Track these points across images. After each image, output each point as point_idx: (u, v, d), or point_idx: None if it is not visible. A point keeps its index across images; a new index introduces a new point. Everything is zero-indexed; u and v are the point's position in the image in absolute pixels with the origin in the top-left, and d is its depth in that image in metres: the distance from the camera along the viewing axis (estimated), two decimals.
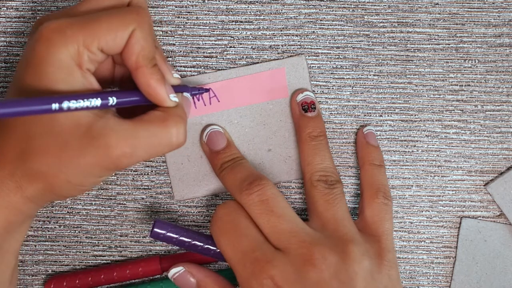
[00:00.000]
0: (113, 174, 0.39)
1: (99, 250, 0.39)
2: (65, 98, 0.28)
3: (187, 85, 0.35)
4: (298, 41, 0.38)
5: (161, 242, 0.38)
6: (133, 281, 0.39)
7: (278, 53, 0.38)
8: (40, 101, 0.27)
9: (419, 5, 0.38)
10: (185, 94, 0.34)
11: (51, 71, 0.29)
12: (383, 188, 0.37)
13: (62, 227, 0.39)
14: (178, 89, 0.34)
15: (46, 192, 0.30)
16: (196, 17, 0.39)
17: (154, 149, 0.31)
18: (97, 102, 0.29)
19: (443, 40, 0.38)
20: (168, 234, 0.34)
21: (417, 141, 0.39)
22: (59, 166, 0.29)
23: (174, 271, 0.34)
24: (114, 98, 0.30)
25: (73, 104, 0.28)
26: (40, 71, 0.29)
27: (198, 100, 0.38)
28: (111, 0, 0.31)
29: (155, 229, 0.34)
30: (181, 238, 0.35)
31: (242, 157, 0.37)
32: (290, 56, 0.39)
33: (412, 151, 0.39)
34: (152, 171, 0.39)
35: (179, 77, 0.34)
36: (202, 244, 0.35)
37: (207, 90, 0.38)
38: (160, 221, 0.35)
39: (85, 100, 0.28)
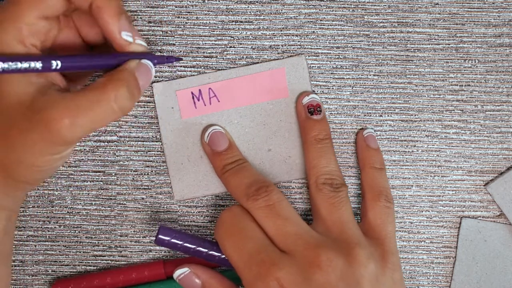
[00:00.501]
0: (114, 173, 0.39)
1: (99, 250, 0.39)
2: (6, 58, 0.27)
3: (153, 53, 0.34)
4: (298, 41, 0.38)
5: None
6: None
7: (278, 53, 0.38)
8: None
9: (419, 5, 0.38)
10: (143, 61, 0.33)
11: None
12: (384, 191, 0.37)
13: (62, 227, 0.39)
14: (141, 56, 0.33)
15: (7, 179, 0.30)
16: (196, 17, 0.38)
17: (98, 117, 0.30)
18: (38, 64, 0.28)
19: (443, 40, 0.38)
20: (173, 240, 0.34)
21: (417, 141, 0.39)
22: (6, 145, 0.29)
23: (180, 272, 0.34)
24: (58, 62, 0.29)
25: (11, 65, 0.27)
26: None
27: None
28: None
29: (160, 236, 0.34)
30: (185, 244, 0.34)
31: (244, 159, 0.37)
32: (290, 56, 0.38)
33: (412, 151, 0.39)
34: (152, 171, 0.39)
35: (144, 44, 0.33)
36: (206, 250, 0.35)
37: (180, 59, 0.37)
38: (165, 227, 0.35)
39: (24, 62, 0.28)
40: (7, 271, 0.33)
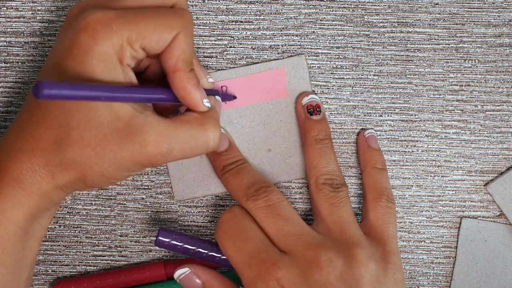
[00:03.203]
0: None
1: (99, 250, 0.39)
2: (118, 90, 0.28)
3: (217, 90, 0.36)
4: (298, 41, 0.38)
5: None
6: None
7: (278, 53, 0.38)
8: (100, 88, 0.27)
9: (419, 5, 0.38)
10: (216, 97, 0.35)
11: (95, 63, 0.29)
12: (386, 192, 0.37)
13: (62, 227, 0.39)
14: (210, 92, 0.34)
15: (78, 182, 0.30)
16: (196, 17, 0.38)
17: (190, 151, 0.31)
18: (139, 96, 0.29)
19: (443, 40, 0.38)
20: (173, 242, 0.34)
21: (417, 141, 0.39)
22: (95, 158, 0.29)
23: (180, 272, 0.34)
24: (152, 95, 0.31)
25: (125, 95, 0.28)
26: (84, 61, 0.29)
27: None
28: (155, 0, 0.31)
29: (160, 237, 0.34)
30: (185, 245, 0.35)
31: (244, 160, 0.37)
32: (290, 56, 0.39)
33: (412, 151, 0.39)
34: (152, 171, 0.39)
35: (213, 81, 0.35)
36: (206, 251, 0.35)
37: (235, 97, 0.38)
38: (165, 228, 0.35)
39: (133, 94, 0.29)
40: (26, 276, 0.33)
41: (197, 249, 0.35)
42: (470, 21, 0.39)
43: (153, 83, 0.34)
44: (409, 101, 0.39)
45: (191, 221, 0.39)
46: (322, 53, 0.39)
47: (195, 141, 0.31)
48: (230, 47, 0.39)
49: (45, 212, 0.32)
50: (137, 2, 0.31)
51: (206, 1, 0.38)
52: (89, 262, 0.39)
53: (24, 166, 0.30)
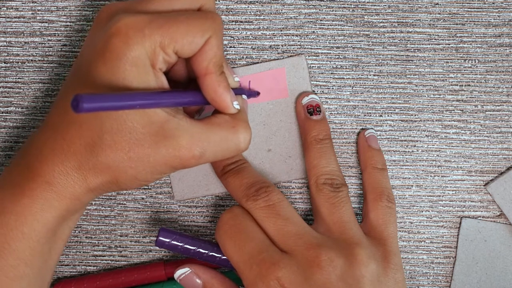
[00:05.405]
0: None
1: (99, 250, 0.39)
2: (152, 97, 0.28)
3: (243, 88, 0.36)
4: (298, 41, 0.38)
5: None
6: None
7: (278, 53, 0.38)
8: (136, 96, 0.27)
9: (419, 5, 0.38)
10: (243, 96, 0.35)
11: (127, 68, 0.29)
12: (386, 192, 0.37)
13: None
14: (236, 91, 0.34)
15: (110, 185, 0.30)
16: None
17: (221, 153, 0.32)
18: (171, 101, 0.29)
19: (443, 40, 0.38)
20: (173, 242, 0.34)
21: (417, 141, 0.39)
22: (128, 162, 0.29)
23: (180, 272, 0.34)
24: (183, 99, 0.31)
25: (159, 101, 0.28)
26: (116, 67, 0.29)
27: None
28: (183, 3, 0.31)
29: (160, 238, 0.34)
30: (186, 246, 0.35)
31: (244, 160, 0.37)
32: (290, 56, 0.39)
33: (412, 151, 0.39)
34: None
35: (239, 80, 0.35)
36: (207, 251, 0.35)
37: (259, 93, 0.38)
38: (165, 229, 0.35)
39: (165, 99, 0.29)
40: (50, 278, 0.33)
41: (198, 249, 0.35)
42: (470, 21, 0.39)
43: (177, 83, 0.34)
44: (409, 101, 0.39)
45: (191, 221, 0.39)
46: (322, 53, 0.39)
47: (227, 143, 0.32)
48: (230, 47, 0.39)
49: (73, 213, 0.32)
50: (166, 5, 0.31)
51: None
52: (89, 262, 0.39)
53: (57, 169, 0.30)
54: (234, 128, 0.32)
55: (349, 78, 0.39)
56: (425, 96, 0.39)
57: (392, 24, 0.39)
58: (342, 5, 0.38)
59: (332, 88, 0.39)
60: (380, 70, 0.39)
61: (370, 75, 0.39)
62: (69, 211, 0.31)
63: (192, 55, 0.31)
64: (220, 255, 0.35)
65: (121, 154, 0.29)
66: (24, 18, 0.39)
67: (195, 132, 0.30)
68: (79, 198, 0.31)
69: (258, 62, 0.38)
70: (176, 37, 0.29)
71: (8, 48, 0.39)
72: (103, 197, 0.39)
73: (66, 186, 0.30)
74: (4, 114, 0.39)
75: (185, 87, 0.34)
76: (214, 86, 0.31)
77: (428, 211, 0.39)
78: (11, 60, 0.39)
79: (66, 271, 0.39)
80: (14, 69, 0.39)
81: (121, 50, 0.29)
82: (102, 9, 0.32)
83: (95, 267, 0.39)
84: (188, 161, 0.30)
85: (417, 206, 0.39)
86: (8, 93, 0.39)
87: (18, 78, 0.39)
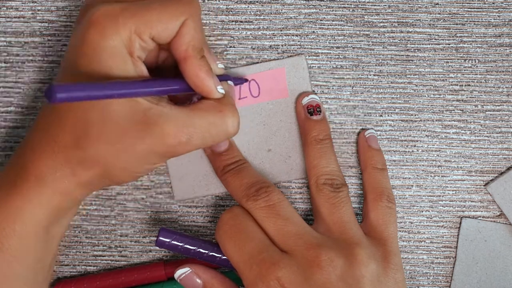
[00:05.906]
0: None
1: (99, 250, 0.39)
2: (131, 86, 0.28)
3: (229, 74, 0.36)
4: (298, 41, 0.38)
5: None
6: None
7: (278, 53, 0.38)
8: (112, 86, 0.27)
9: (419, 5, 0.38)
10: (229, 82, 0.35)
11: (105, 58, 0.29)
12: (386, 192, 0.37)
13: None
14: (221, 78, 0.34)
15: (101, 178, 0.30)
16: None
17: (210, 138, 0.31)
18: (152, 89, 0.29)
19: (443, 40, 0.38)
20: (173, 242, 0.34)
21: (417, 141, 0.39)
22: (116, 153, 0.29)
23: (181, 272, 0.34)
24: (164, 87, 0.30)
25: (138, 90, 0.28)
26: (94, 58, 0.29)
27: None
28: None
29: (160, 238, 0.34)
30: (186, 246, 0.35)
31: (244, 160, 0.37)
32: (290, 56, 0.38)
33: (412, 151, 0.39)
34: (152, 171, 0.39)
35: (223, 67, 0.35)
36: (207, 251, 0.35)
37: (247, 80, 0.38)
38: (165, 229, 0.35)
39: (144, 88, 0.29)
40: (45, 277, 0.33)
41: (198, 249, 0.35)
42: (470, 21, 0.39)
43: (172, 76, 0.34)
44: (409, 101, 0.39)
45: (191, 221, 0.39)
46: (322, 53, 0.39)
47: (215, 128, 0.31)
48: (230, 47, 0.39)
49: (66, 211, 0.32)
50: None
51: (206, 1, 0.38)
52: (89, 262, 0.39)
53: (46, 165, 0.30)
54: (221, 113, 0.32)
55: (349, 78, 0.39)
56: (425, 96, 0.39)
57: (392, 24, 0.38)
58: (342, 5, 0.38)
59: (332, 88, 0.39)
60: (380, 70, 0.39)
61: (370, 75, 0.39)
62: (61, 208, 0.31)
63: (170, 40, 0.31)
64: (220, 255, 0.35)
65: (108, 145, 0.29)
66: (24, 18, 0.39)
67: (179, 118, 0.30)
68: (70, 193, 0.30)
69: (258, 62, 0.38)
70: (150, 23, 0.29)
71: (8, 48, 0.39)
72: (103, 197, 0.39)
73: (56, 181, 0.30)
74: (4, 114, 0.39)
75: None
76: (195, 71, 0.31)
77: (428, 211, 0.39)
78: (11, 60, 0.39)
79: (66, 271, 0.39)
80: (14, 69, 0.39)
81: (97, 41, 0.29)
82: (84, 4, 0.32)
83: (95, 267, 0.39)
84: (175, 148, 0.30)
85: (417, 206, 0.39)
86: (8, 93, 0.39)
87: (18, 78, 0.39)
